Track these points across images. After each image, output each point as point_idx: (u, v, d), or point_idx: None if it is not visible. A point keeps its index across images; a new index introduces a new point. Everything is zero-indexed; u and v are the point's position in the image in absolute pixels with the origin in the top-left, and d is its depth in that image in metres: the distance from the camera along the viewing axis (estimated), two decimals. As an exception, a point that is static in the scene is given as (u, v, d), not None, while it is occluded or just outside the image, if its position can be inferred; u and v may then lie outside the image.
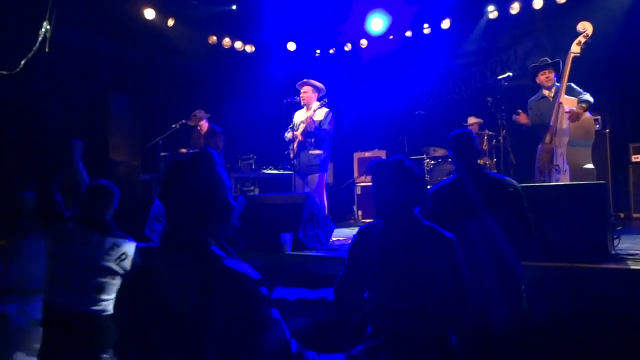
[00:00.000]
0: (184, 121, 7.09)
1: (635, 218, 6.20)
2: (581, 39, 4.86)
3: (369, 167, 2.20)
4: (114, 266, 2.75)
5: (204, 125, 7.27)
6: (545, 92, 5.39)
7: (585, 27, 4.87)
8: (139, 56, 8.56)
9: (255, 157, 9.00)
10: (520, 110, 5.40)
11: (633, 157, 6.49)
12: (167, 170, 1.60)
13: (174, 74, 9.05)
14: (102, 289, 2.71)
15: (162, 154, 7.06)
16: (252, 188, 8.84)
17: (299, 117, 5.84)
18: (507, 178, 2.79)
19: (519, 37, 8.47)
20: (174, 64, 8.99)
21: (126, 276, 2.24)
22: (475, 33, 8.85)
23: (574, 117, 4.80)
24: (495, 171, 7.58)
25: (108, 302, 2.71)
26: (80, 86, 7.63)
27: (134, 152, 8.48)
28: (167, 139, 7.05)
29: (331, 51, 9.78)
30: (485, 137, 7.79)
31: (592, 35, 4.85)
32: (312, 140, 5.68)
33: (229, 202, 1.64)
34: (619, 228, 3.09)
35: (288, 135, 5.85)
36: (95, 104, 8.04)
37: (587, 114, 4.92)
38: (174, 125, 7.04)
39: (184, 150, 6.97)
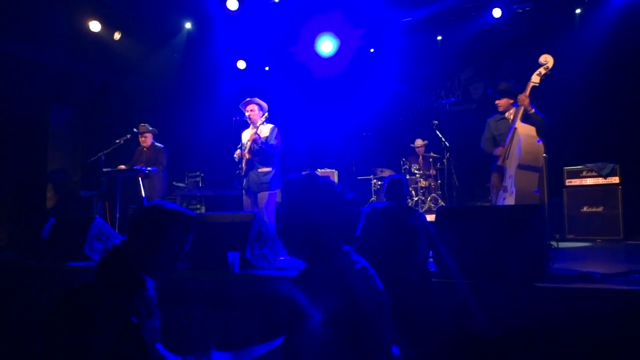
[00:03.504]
0: (128, 136, 6.90)
1: (569, 239, 6.50)
2: (542, 70, 5.12)
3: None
4: None
5: (148, 141, 7.10)
6: (506, 113, 5.61)
7: (547, 60, 5.14)
8: (83, 69, 8.30)
9: (202, 174, 8.85)
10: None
11: (567, 181, 6.81)
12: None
13: (120, 88, 8.81)
14: None
15: (105, 170, 6.81)
16: (198, 206, 8.67)
17: (246, 136, 5.80)
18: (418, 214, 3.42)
19: (461, 64, 8.85)
20: (120, 79, 8.76)
21: None
22: (421, 59, 9.17)
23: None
24: (439, 192, 7.83)
25: None
26: (19, 96, 7.30)
27: (74, 167, 8.17)
28: (110, 154, 6.83)
29: (281, 70, 9.82)
30: (431, 160, 8.03)
31: (552, 68, 5.11)
32: (260, 157, 5.65)
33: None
34: (554, 248, 3.22)
35: (237, 154, 5.80)
36: (35, 115, 7.71)
37: (538, 141, 5.11)
38: (117, 141, 6.84)
39: (122, 167, 6.75)
